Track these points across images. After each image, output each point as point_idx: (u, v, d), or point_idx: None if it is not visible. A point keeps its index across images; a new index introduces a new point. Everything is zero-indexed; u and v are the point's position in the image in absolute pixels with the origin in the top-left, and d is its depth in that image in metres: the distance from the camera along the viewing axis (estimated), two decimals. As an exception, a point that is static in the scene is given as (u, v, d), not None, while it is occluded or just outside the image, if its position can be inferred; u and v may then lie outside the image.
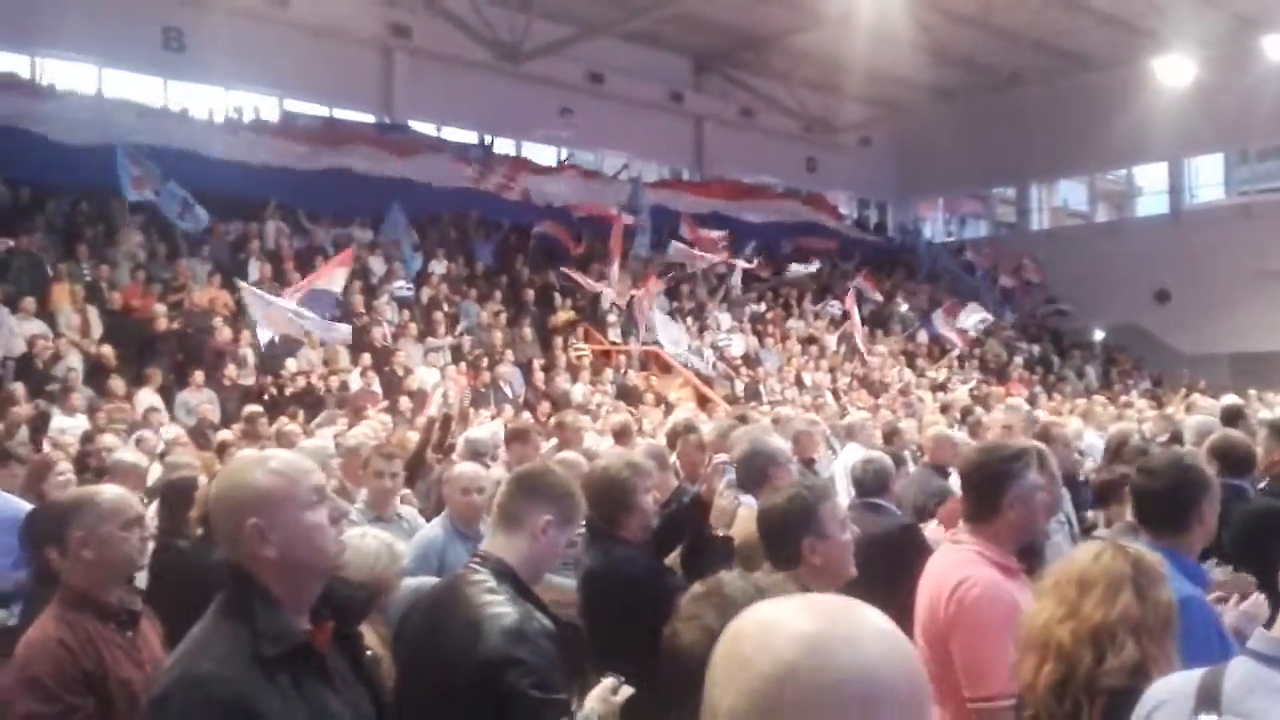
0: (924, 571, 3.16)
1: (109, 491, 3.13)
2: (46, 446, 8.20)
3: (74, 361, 11.74)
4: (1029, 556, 3.32)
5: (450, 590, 2.66)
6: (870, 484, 5.08)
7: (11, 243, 13.14)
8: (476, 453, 6.64)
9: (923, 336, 21.13)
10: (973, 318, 19.91)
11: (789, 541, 2.89)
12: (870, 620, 1.07)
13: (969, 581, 2.87)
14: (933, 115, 26.59)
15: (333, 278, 13.06)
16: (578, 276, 17.11)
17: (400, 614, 3.29)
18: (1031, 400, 16.03)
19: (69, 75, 17.34)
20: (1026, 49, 21.90)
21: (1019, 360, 21.92)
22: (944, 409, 13.96)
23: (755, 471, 4.38)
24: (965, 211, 32.97)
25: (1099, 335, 25.86)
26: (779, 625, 1.06)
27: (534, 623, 2.47)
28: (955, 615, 2.87)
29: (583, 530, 4.07)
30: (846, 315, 18.97)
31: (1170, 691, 1.91)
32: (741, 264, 19.57)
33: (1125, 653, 2.02)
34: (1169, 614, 2.14)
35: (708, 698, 1.09)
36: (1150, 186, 28.46)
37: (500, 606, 2.49)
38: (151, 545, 3.81)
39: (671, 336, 17.01)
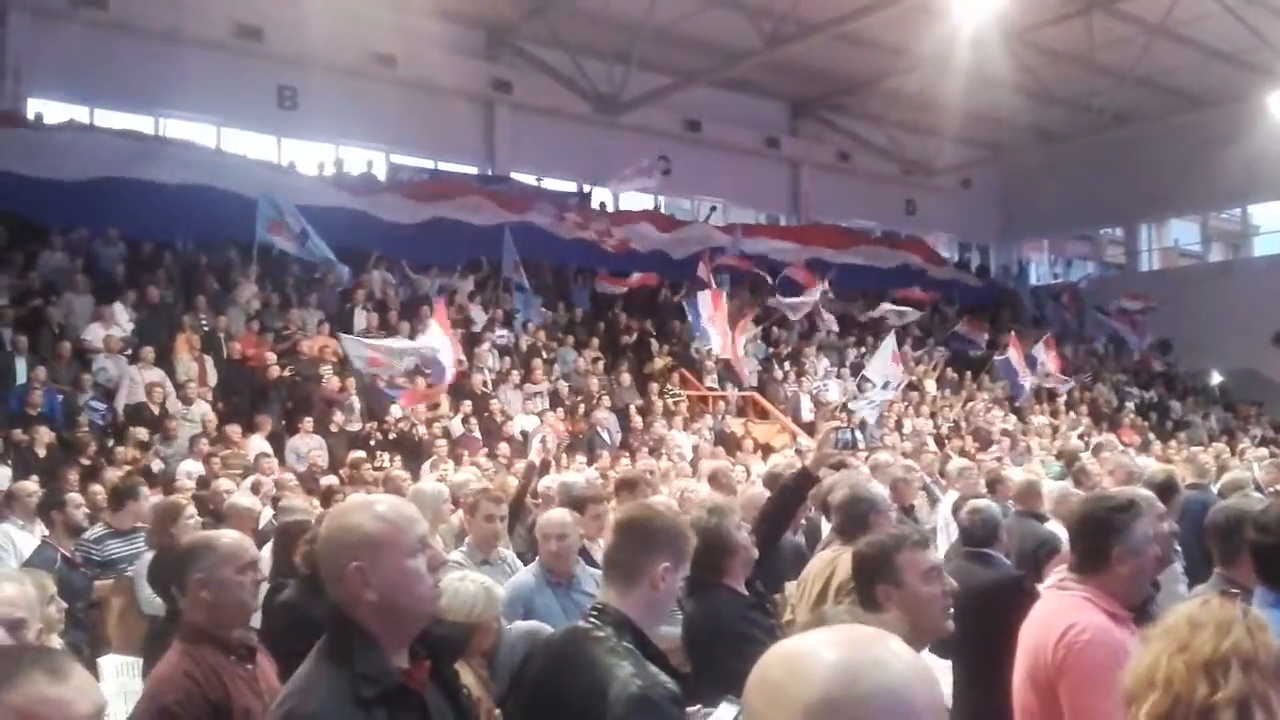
0: (1030, 617, 3.08)
1: (226, 537, 3.27)
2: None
3: (194, 410, 12.25)
4: (1139, 606, 3.23)
5: (573, 644, 2.63)
6: (978, 534, 4.95)
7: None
8: (572, 497, 6.71)
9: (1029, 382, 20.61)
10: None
11: (866, 587, 2.89)
12: (893, 646, 1.17)
13: (1078, 627, 2.80)
14: (1036, 156, 26.14)
15: (433, 335, 13.46)
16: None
17: (512, 656, 3.35)
18: (1143, 448, 15.55)
19: (190, 133, 18.17)
20: (1132, 87, 21.43)
21: (1130, 406, 21.25)
22: (1058, 456, 13.62)
23: (857, 518, 4.35)
24: (1071, 253, 32.24)
25: (1215, 379, 24.90)
26: (808, 656, 1.16)
27: (660, 688, 2.42)
28: (1064, 661, 2.80)
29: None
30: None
31: None
32: (820, 292, 19.40)
33: (1233, 684, 1.98)
34: (1278, 659, 2.09)
35: None
36: (1267, 225, 27.48)
37: (626, 670, 2.44)
38: (265, 587, 3.96)
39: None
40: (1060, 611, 2.93)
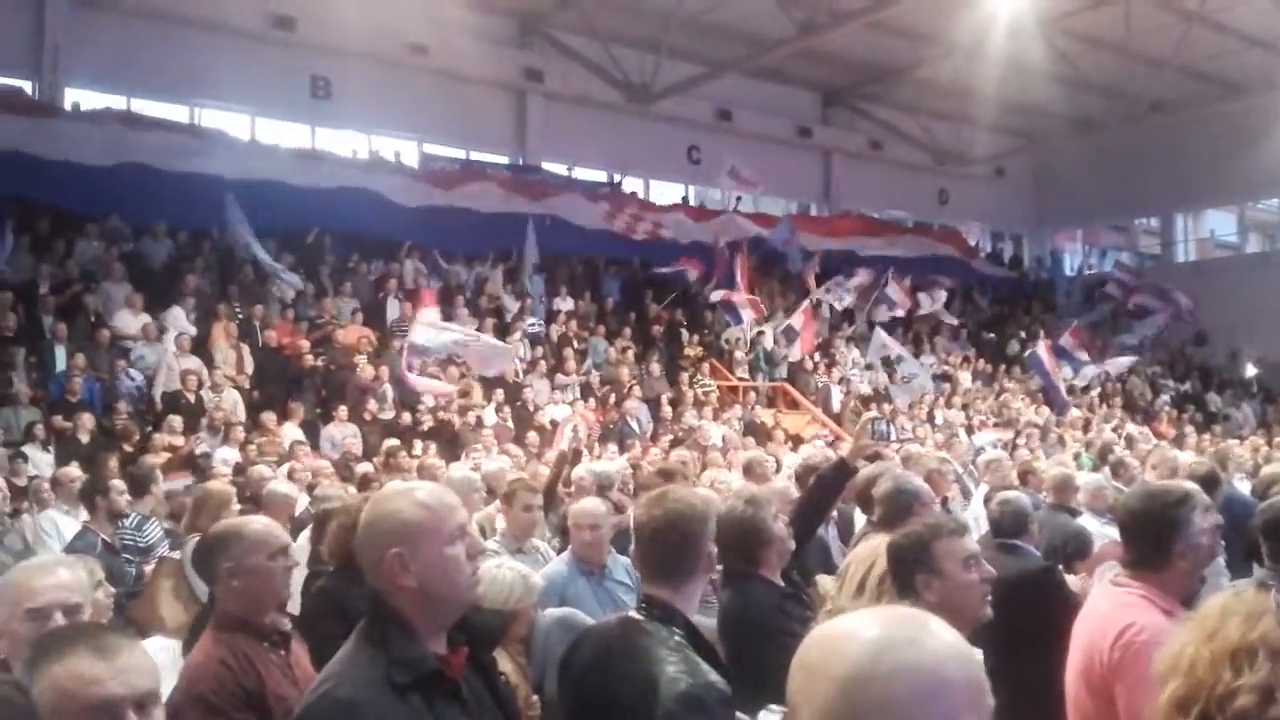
0: (1083, 614, 3.05)
1: (255, 523, 3.26)
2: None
3: (229, 397, 12.39)
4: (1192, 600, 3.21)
5: (623, 637, 2.61)
6: (1008, 525, 4.94)
7: None
8: (601, 486, 6.74)
9: (1067, 373, 20.44)
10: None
11: (905, 576, 2.89)
12: (931, 625, 1.20)
13: (1135, 627, 2.77)
14: (1071, 145, 25.84)
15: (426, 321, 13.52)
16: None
17: (546, 644, 3.37)
18: (1178, 441, 15.39)
19: (224, 123, 18.34)
20: (1170, 75, 21.14)
21: (1165, 398, 21.03)
22: (1087, 448, 13.52)
23: (899, 510, 4.33)
24: (1106, 244, 31.88)
25: (1250, 372, 24.58)
26: (848, 635, 1.19)
27: (712, 689, 2.40)
28: (1120, 661, 2.76)
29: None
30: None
31: None
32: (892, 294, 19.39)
33: (1259, 671, 1.97)
34: None
35: (791, 708, 1.21)
36: (1307, 215, 27.09)
37: (676, 666, 2.42)
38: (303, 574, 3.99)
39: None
40: (1117, 610, 2.88)
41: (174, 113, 17.93)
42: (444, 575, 2.17)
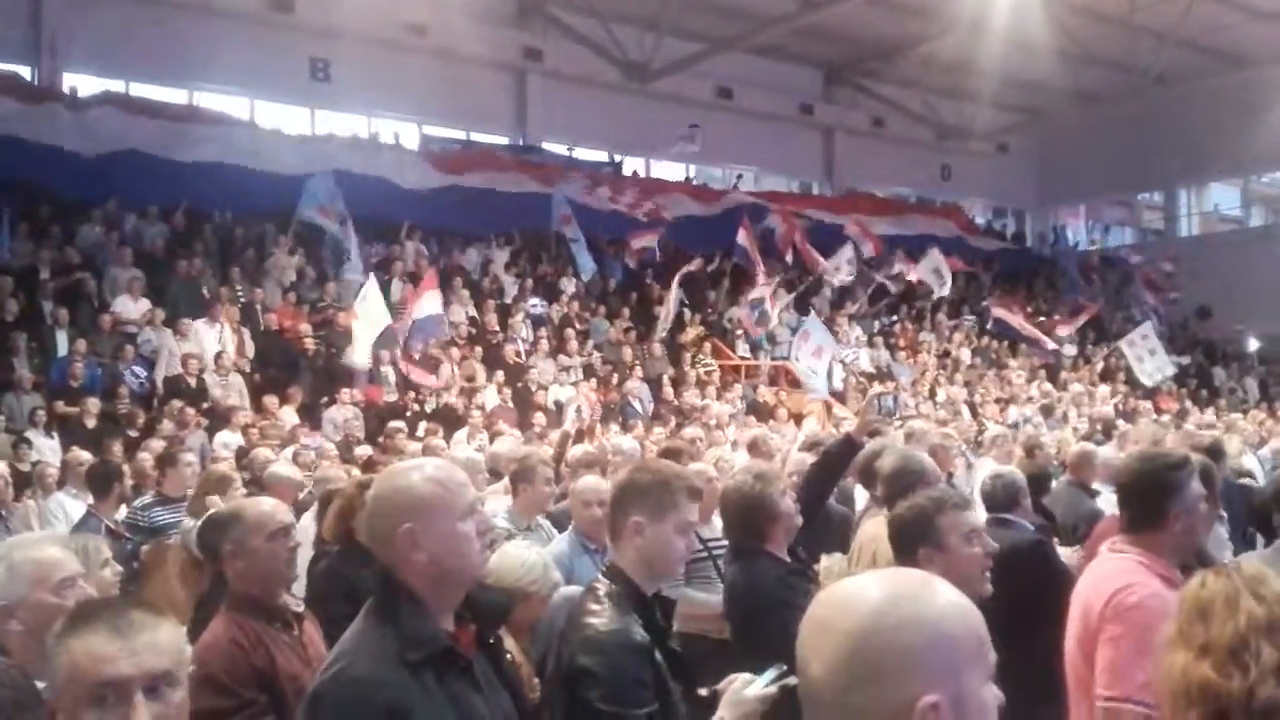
0: (1080, 583, 3.04)
1: (256, 505, 3.26)
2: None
3: (232, 381, 12.39)
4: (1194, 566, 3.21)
5: (579, 602, 2.69)
6: (1000, 499, 4.94)
7: None
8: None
9: (1069, 350, 20.45)
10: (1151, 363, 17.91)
11: (907, 550, 2.87)
12: (935, 583, 1.28)
13: (1130, 589, 2.77)
14: (1073, 119, 25.68)
15: (425, 302, 13.45)
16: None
17: (553, 621, 3.39)
18: (1181, 415, 15.38)
19: (224, 106, 18.28)
20: (1173, 48, 21.03)
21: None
22: (1091, 423, 13.53)
23: (905, 488, 4.32)
24: (1109, 219, 31.78)
25: (1253, 346, 24.53)
26: (855, 594, 1.26)
27: (622, 634, 2.43)
28: (1109, 616, 2.77)
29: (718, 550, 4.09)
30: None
31: None
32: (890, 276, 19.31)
33: (1264, 657, 1.96)
34: None
35: (800, 664, 1.27)
36: (1310, 188, 27.00)
37: (594, 617, 2.49)
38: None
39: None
40: (1112, 575, 2.88)
41: (173, 97, 17.87)
42: (455, 551, 2.18)
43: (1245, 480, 7.62)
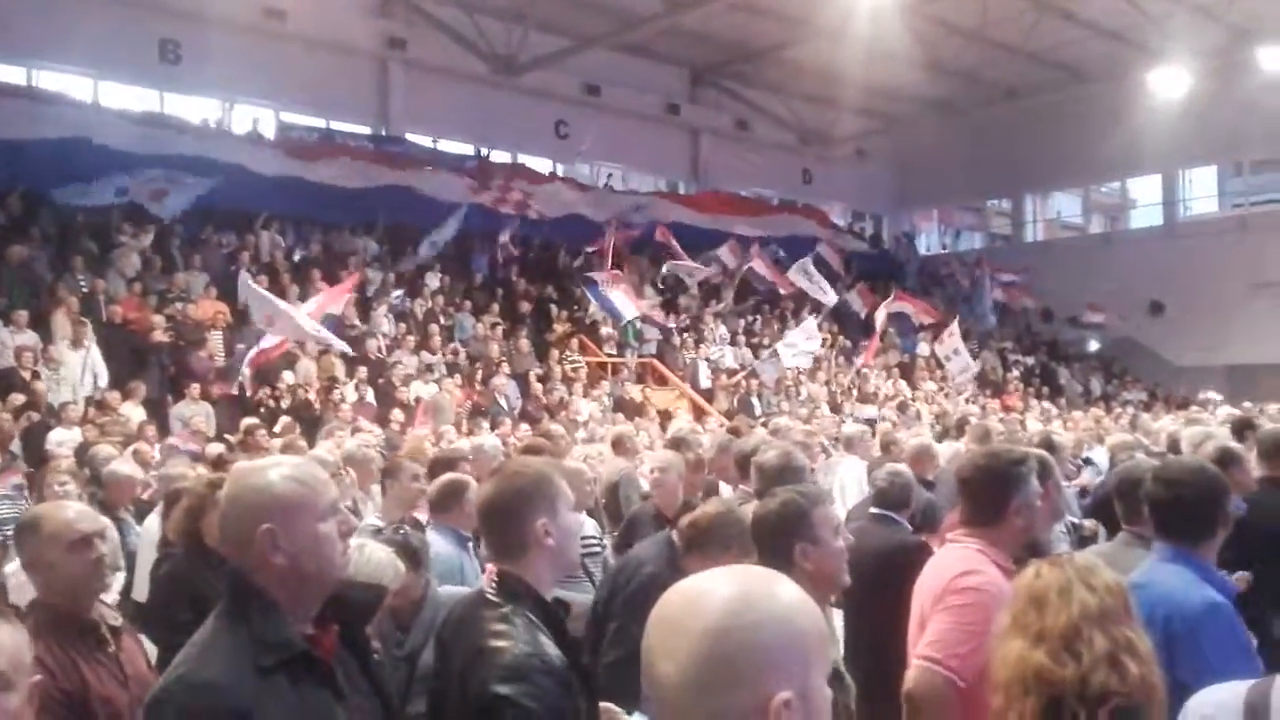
0: (922, 574, 3.15)
1: (56, 513, 2.94)
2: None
3: (65, 374, 11.70)
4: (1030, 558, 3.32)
5: (467, 610, 2.54)
6: (894, 497, 5.01)
7: None
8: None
9: (923, 349, 21.12)
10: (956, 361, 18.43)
11: (781, 545, 2.86)
12: (783, 582, 1.29)
13: (970, 574, 2.90)
14: (928, 128, 26.65)
15: (339, 302, 13.13)
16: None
17: (435, 617, 3.29)
18: (1026, 413, 16.05)
19: (65, 86, 17.30)
20: (1022, 62, 21.98)
21: (1015, 373, 21.93)
22: (937, 419, 14.00)
23: (783, 483, 4.32)
24: (960, 224, 33.05)
25: (1093, 347, 25.88)
26: (705, 591, 1.25)
27: (537, 658, 2.29)
28: (945, 595, 2.90)
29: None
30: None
31: (1216, 705, 1.90)
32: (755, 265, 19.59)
33: (1096, 646, 2.03)
34: (1121, 595, 2.15)
35: (646, 667, 1.26)
36: (1144, 198, 28.61)
37: (503, 639, 2.33)
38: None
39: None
40: (955, 561, 3.01)
41: (10, 75, 16.85)
42: (316, 552, 2.09)
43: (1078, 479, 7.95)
